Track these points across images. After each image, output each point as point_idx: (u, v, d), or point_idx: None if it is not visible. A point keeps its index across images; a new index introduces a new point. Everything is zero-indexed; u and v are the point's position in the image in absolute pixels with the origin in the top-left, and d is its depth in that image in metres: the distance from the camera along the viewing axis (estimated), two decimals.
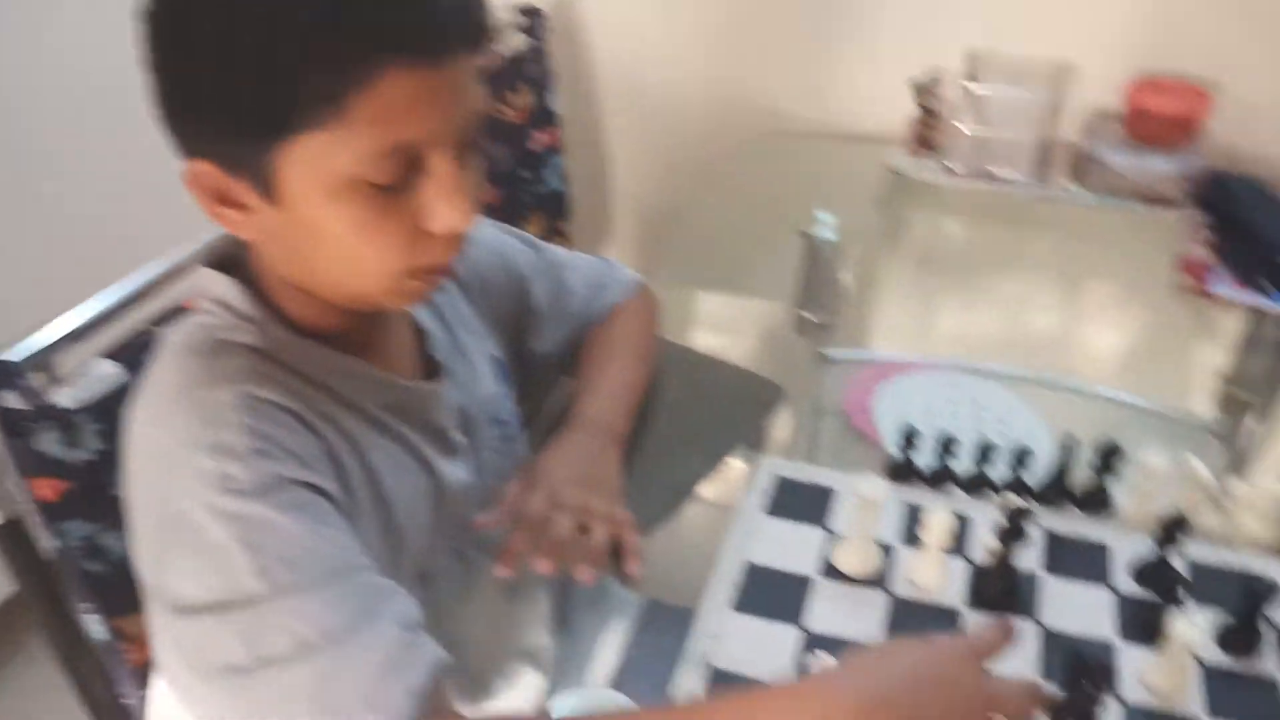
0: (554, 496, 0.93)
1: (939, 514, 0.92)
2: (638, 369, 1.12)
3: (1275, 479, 1.15)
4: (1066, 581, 0.96)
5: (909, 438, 1.06)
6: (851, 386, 1.27)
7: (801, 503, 1.05)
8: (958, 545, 0.99)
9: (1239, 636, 0.89)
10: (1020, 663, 0.88)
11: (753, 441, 1.17)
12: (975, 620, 0.92)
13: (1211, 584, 0.95)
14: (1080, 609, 0.93)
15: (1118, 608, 0.93)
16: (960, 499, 1.06)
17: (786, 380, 1.23)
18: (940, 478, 1.07)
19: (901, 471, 1.08)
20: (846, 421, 1.21)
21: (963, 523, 1.01)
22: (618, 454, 1.07)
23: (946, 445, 1.05)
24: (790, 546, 1.00)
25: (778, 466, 1.10)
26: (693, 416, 1.18)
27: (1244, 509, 1.08)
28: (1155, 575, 0.94)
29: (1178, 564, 0.95)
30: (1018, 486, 1.05)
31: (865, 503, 0.94)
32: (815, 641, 0.91)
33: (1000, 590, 0.93)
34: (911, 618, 0.93)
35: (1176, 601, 0.88)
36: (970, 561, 0.98)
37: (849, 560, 0.97)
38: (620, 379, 1.10)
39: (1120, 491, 1.04)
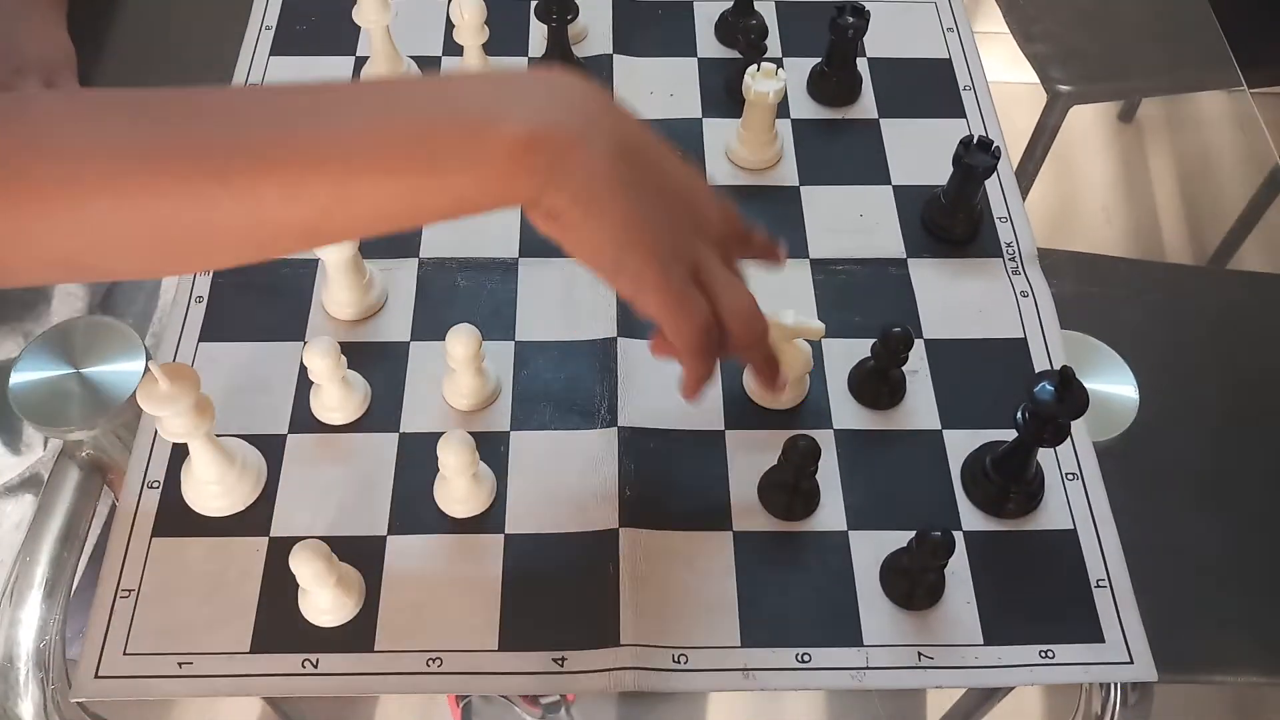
0: None
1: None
2: None
3: None
4: (643, 59, 0.79)
5: None
6: None
7: (318, 27, 0.81)
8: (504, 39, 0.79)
9: (832, 81, 0.77)
10: None
11: None
12: None
13: (800, 26, 0.81)
14: (662, 87, 0.78)
15: (700, 78, 0.78)
16: None
17: None
18: None
19: None
20: None
21: (508, 7, 0.80)
22: (57, 10, 0.79)
23: None
24: None
25: None
26: None
27: None
28: (735, 28, 0.78)
29: (760, 9, 0.80)
30: None
31: (369, 4, 0.71)
32: None
33: None
34: None
35: (759, 54, 0.73)
36: (527, 57, 0.79)
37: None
38: None
39: None
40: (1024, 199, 0.79)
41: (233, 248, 0.44)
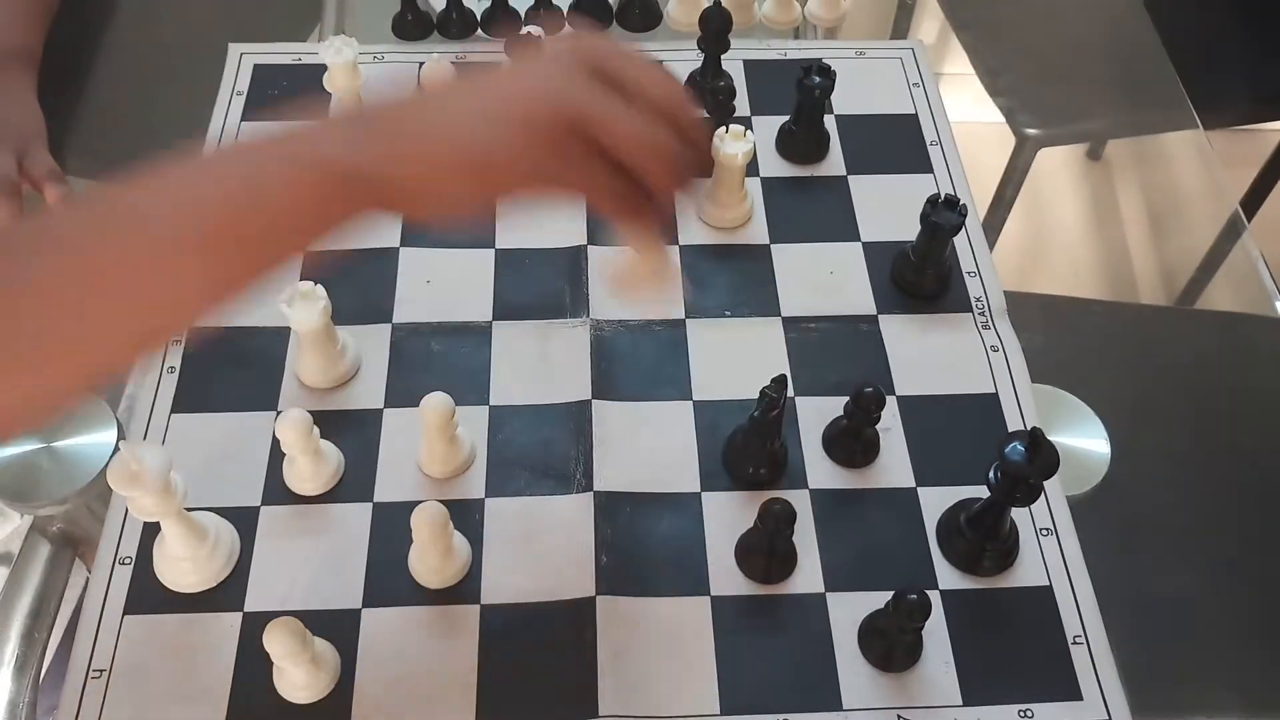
0: None
1: (437, 63, 0.72)
2: None
3: None
4: None
5: None
6: None
7: (289, 93, 0.81)
8: None
9: (800, 139, 0.77)
10: (569, 224, 0.73)
11: None
12: None
13: (768, 84, 0.82)
14: None
15: None
16: (478, 44, 0.85)
17: None
18: (453, 22, 0.85)
19: (405, 24, 0.85)
20: None
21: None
22: (27, 79, 0.79)
23: None
24: None
25: (251, 51, 0.84)
26: None
27: None
28: (703, 87, 0.79)
29: (728, 68, 0.80)
30: (543, 14, 0.84)
31: (341, 69, 0.71)
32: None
33: None
34: None
35: (728, 114, 0.74)
36: None
37: None
38: None
39: None
40: (995, 241, 0.80)
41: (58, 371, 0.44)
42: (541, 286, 0.70)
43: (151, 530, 0.59)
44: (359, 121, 0.47)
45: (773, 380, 0.59)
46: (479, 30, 0.85)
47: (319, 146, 0.44)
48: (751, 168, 0.76)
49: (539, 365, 0.67)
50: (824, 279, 0.71)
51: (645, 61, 0.47)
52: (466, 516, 0.61)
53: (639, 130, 0.45)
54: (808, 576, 0.60)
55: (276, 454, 0.62)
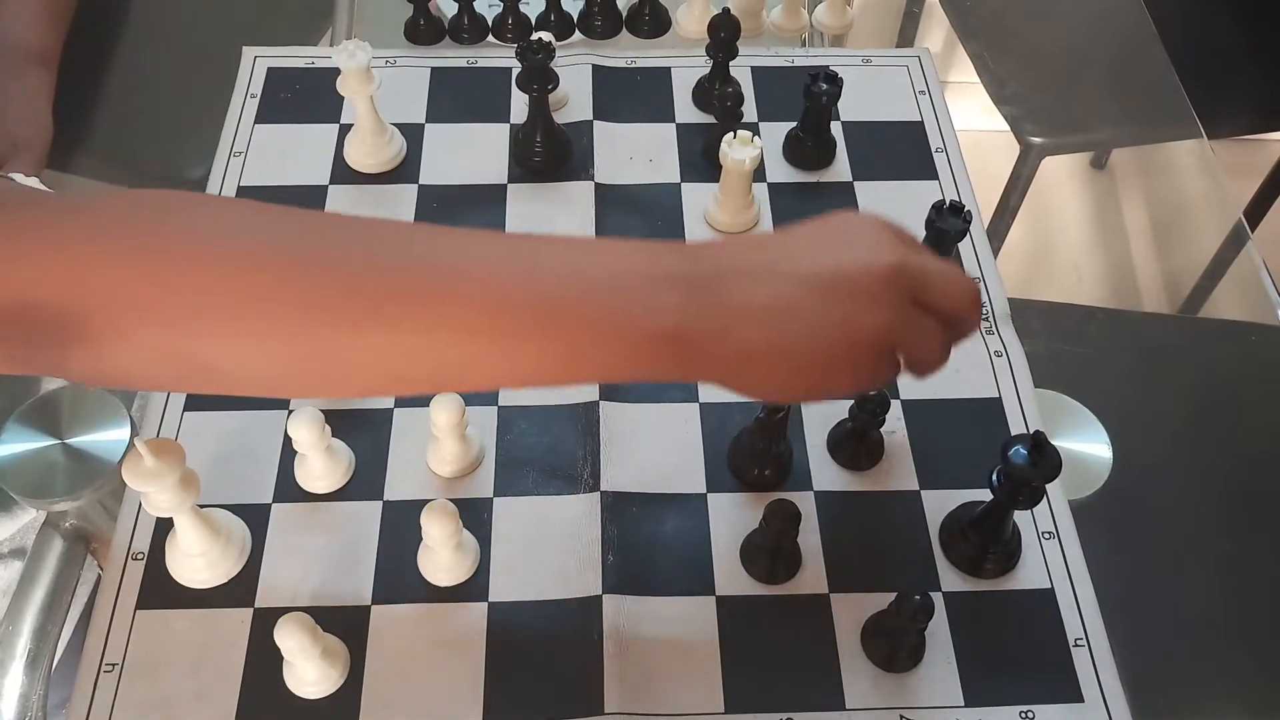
0: None
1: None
2: None
3: None
4: (623, 125, 0.81)
5: None
6: None
7: (302, 96, 0.82)
8: (486, 108, 0.80)
9: (807, 145, 0.78)
10: (579, 229, 0.74)
11: None
12: (519, 189, 0.77)
13: (775, 91, 0.83)
14: (641, 153, 0.79)
15: (679, 143, 0.80)
16: (490, 50, 0.86)
17: None
18: (464, 28, 0.86)
19: (417, 29, 0.86)
20: None
21: (490, 77, 0.82)
22: (43, 83, 0.79)
23: None
24: (293, 156, 0.78)
25: (265, 55, 0.85)
26: None
27: None
28: (711, 93, 0.80)
29: (736, 75, 0.81)
30: (554, 20, 0.85)
31: (354, 73, 0.72)
32: None
33: (544, 150, 0.77)
34: (449, 202, 0.76)
35: (736, 120, 0.75)
36: (509, 124, 0.81)
37: (362, 153, 0.77)
38: None
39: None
40: (999, 248, 0.80)
41: (362, 381, 0.44)
42: None
43: (164, 526, 0.60)
44: (692, 278, 0.44)
45: None
46: (490, 36, 0.86)
47: (650, 310, 0.43)
48: (759, 173, 0.77)
49: None
50: None
51: (954, 276, 0.49)
52: (475, 515, 0.61)
53: (935, 356, 0.48)
54: (812, 577, 0.60)
55: (288, 452, 0.63)
